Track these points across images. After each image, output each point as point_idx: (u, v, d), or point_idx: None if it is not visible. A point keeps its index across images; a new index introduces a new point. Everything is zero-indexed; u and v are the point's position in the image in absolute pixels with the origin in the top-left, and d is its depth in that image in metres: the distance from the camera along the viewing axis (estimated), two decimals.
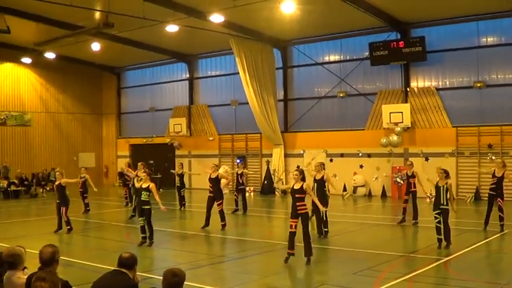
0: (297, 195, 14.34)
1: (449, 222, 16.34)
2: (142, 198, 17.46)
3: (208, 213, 21.02)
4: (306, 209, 14.46)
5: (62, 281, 6.26)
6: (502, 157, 28.24)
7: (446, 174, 16.60)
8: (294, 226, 14.38)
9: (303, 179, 14.56)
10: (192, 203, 30.69)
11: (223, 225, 20.72)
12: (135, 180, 22.49)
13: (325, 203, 18.33)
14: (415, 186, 21.44)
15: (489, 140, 29.98)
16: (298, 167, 21.99)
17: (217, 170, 22.13)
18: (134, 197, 24.07)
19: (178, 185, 28.40)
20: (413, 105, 32.28)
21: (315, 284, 12.30)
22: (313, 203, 15.68)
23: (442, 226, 16.27)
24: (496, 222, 19.44)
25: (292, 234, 14.39)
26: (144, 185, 17.46)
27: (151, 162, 38.63)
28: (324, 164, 20.16)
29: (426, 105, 32.03)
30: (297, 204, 14.33)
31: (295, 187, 14.44)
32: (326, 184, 19.07)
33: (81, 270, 13.41)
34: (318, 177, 18.86)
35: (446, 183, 16.37)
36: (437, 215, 16.34)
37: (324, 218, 18.63)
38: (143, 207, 17.48)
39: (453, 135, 31.06)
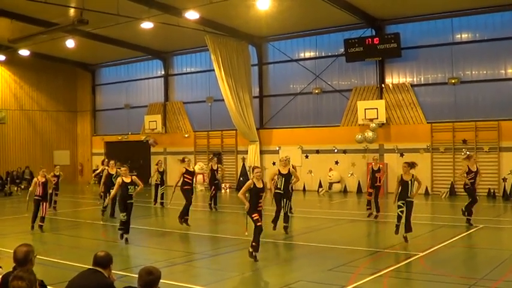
0: (260, 194, 14.53)
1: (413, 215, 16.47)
2: (129, 193, 17.32)
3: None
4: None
5: (37, 280, 6.22)
6: (477, 152, 28.64)
7: (410, 166, 16.65)
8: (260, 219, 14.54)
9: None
10: (167, 200, 30.54)
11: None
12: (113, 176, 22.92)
13: (289, 197, 19.44)
14: (380, 181, 21.82)
15: (464, 136, 30.22)
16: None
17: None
18: (104, 194, 23.92)
19: (158, 182, 28.14)
20: (388, 101, 32.44)
21: (291, 281, 12.31)
22: (282, 195, 17.58)
23: (403, 215, 16.31)
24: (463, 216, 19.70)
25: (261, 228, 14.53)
26: (128, 180, 17.36)
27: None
28: (289, 159, 20.44)
29: (401, 101, 32.21)
30: (259, 201, 14.50)
31: (259, 186, 14.50)
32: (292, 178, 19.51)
33: (56, 268, 13.32)
34: (285, 171, 19.06)
35: (412, 176, 16.46)
36: (401, 204, 16.28)
37: (289, 212, 19.14)
38: (129, 201, 17.35)
39: (428, 131, 31.27)
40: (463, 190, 20.55)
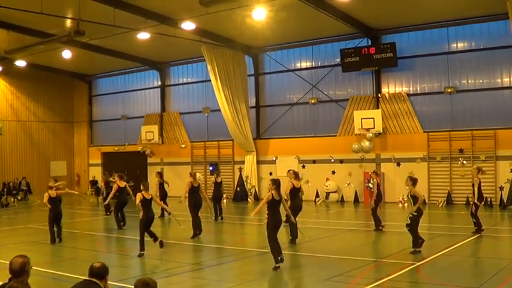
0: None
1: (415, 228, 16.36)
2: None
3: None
4: None
5: None
6: (474, 161, 28.66)
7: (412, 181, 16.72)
8: None
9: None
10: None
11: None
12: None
13: None
14: None
15: (460, 145, 30.22)
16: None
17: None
18: (117, 209, 23.70)
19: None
20: (384, 111, 32.44)
21: None
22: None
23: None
24: (467, 226, 19.66)
25: None
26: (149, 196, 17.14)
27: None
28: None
29: (397, 110, 32.22)
30: None
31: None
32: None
33: (52, 280, 13.28)
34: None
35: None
36: None
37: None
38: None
39: (424, 141, 31.28)
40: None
